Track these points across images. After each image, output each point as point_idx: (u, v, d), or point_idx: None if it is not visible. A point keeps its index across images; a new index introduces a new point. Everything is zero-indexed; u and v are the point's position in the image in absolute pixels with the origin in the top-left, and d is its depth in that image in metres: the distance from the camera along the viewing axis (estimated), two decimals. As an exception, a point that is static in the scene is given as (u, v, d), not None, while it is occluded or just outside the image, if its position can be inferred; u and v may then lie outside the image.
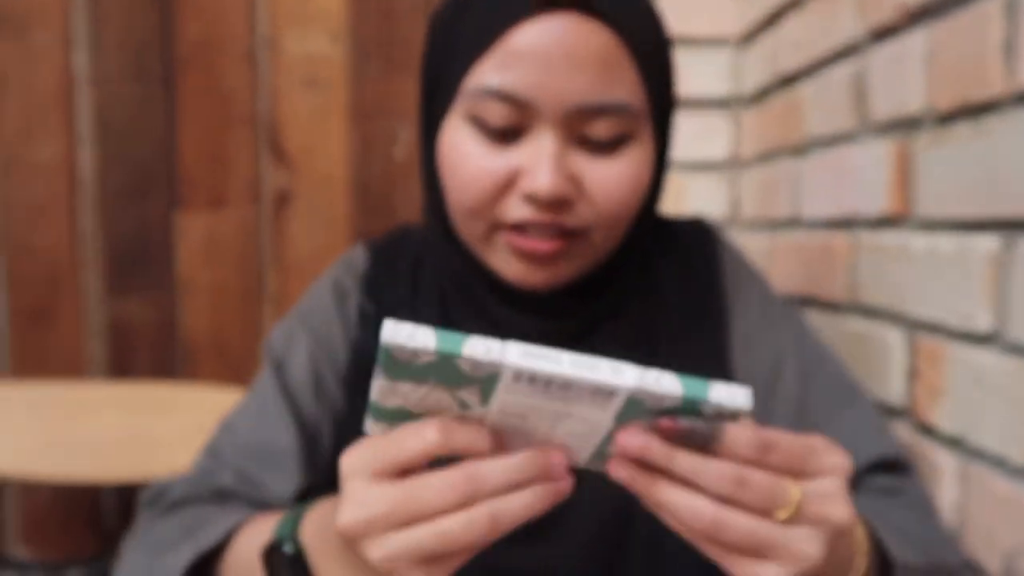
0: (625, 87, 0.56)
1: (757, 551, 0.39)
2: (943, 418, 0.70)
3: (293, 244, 1.35)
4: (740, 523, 0.38)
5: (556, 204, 0.56)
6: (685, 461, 0.38)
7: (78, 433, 1.18)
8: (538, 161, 0.55)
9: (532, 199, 0.56)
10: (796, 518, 0.39)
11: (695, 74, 1.18)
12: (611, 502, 0.61)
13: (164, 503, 0.63)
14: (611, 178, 0.57)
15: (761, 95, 1.12)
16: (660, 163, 0.63)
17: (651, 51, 0.58)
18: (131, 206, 1.32)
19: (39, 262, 1.31)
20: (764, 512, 0.38)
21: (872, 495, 0.63)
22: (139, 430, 1.18)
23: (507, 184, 0.57)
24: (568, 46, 0.54)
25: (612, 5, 0.55)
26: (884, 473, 0.64)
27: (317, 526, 0.47)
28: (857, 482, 0.63)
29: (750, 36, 1.15)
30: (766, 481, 0.38)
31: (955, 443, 0.68)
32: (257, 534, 0.52)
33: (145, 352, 1.34)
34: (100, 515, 1.35)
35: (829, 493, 0.40)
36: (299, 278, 1.35)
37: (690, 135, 1.19)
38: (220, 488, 0.63)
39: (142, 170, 1.32)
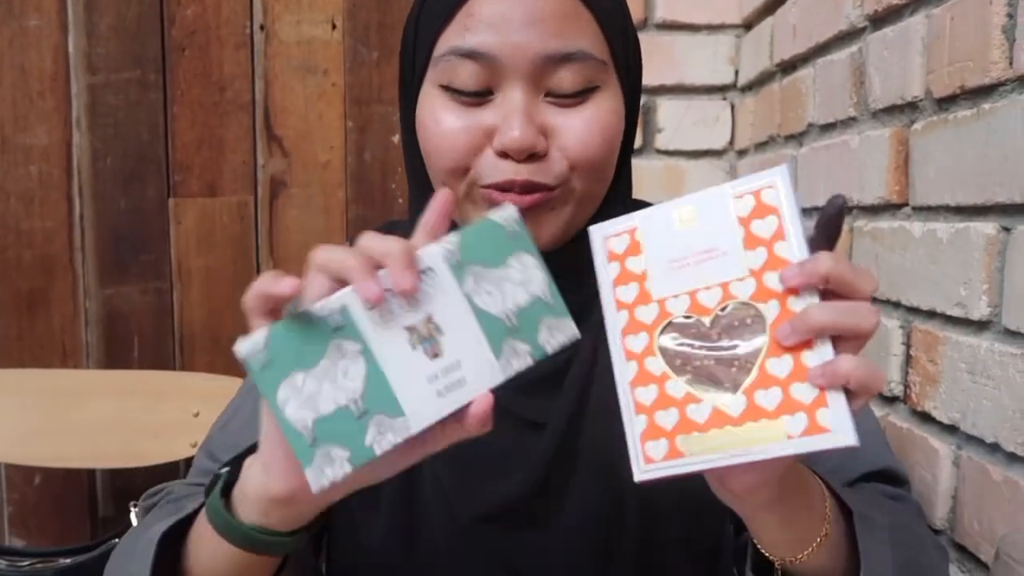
0: (585, 37, 0.58)
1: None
2: (938, 405, 0.69)
3: (288, 231, 1.34)
4: None
5: (529, 156, 0.57)
6: (825, 314, 0.41)
7: (71, 420, 1.18)
8: (508, 115, 0.56)
9: (505, 153, 0.57)
10: None
11: (696, 61, 1.17)
12: (603, 493, 0.61)
13: (163, 502, 0.63)
14: (581, 125, 0.58)
15: (760, 82, 1.11)
16: (629, 125, 0.64)
17: (610, 9, 0.60)
18: (126, 192, 1.31)
19: (33, 248, 1.30)
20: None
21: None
22: (133, 417, 1.18)
23: (481, 142, 0.58)
24: (528, 3, 0.56)
25: None
26: (882, 483, 0.64)
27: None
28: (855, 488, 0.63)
29: (750, 23, 1.15)
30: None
31: (950, 430, 0.68)
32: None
33: (139, 339, 1.33)
34: (94, 502, 1.34)
35: None
36: (294, 266, 1.33)
37: (690, 122, 1.19)
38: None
39: (137, 156, 1.31)
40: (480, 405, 0.43)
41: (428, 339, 0.42)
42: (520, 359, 0.44)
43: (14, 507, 1.33)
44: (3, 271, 1.30)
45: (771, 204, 0.42)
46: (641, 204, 0.75)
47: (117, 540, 0.92)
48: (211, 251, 1.33)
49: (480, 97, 0.58)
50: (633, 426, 0.44)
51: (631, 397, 0.44)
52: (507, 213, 0.45)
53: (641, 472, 0.43)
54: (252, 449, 0.49)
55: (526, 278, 0.44)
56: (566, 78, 0.57)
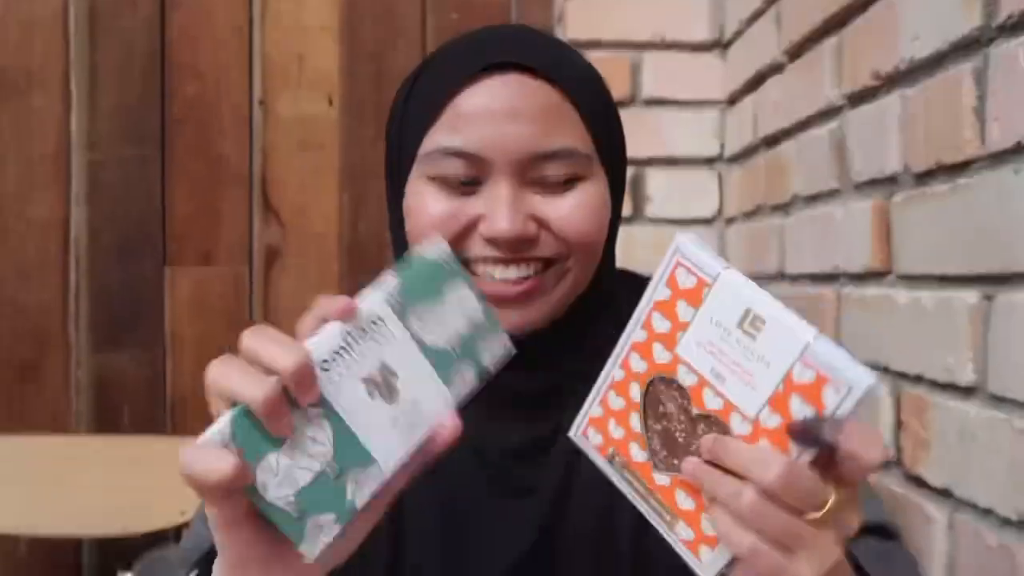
0: (571, 134, 0.59)
1: (788, 546, 0.41)
2: (931, 469, 0.71)
3: (283, 302, 1.35)
4: (780, 516, 0.41)
5: (517, 244, 0.58)
6: (741, 455, 0.42)
7: (62, 488, 1.16)
8: (495, 206, 0.58)
9: (493, 243, 0.58)
10: (823, 521, 0.41)
11: (684, 135, 1.22)
12: (595, 558, 0.62)
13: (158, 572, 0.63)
14: (569, 208, 0.59)
15: (746, 155, 1.15)
16: (615, 212, 0.65)
17: (592, 101, 0.62)
18: (122, 263, 1.33)
19: (28, 319, 1.31)
20: (799, 510, 0.41)
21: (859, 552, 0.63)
22: (125, 484, 1.17)
23: (468, 229, 0.59)
24: (513, 103, 0.58)
25: (552, 64, 0.59)
26: (873, 538, 0.64)
27: None
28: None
29: (735, 99, 1.19)
30: (810, 483, 0.41)
31: (943, 494, 0.69)
32: None
33: (131, 407, 1.33)
34: (80, 570, 1.32)
35: (851, 500, 0.42)
36: (287, 333, 1.34)
37: (678, 193, 1.22)
38: (212, 552, 0.63)
39: (134, 228, 1.33)
40: (446, 433, 0.46)
41: (384, 385, 0.45)
42: (467, 384, 0.48)
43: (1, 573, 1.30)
44: (-1, 343, 1.31)
45: (823, 400, 0.39)
46: (629, 275, 0.76)
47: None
48: (206, 320, 1.34)
49: (467, 186, 0.59)
50: (592, 405, 0.49)
51: (603, 390, 0.49)
52: (439, 248, 0.49)
53: (574, 434, 0.50)
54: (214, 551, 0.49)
55: (463, 307, 0.48)
56: (551, 171, 0.59)
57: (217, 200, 1.34)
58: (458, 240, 0.59)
